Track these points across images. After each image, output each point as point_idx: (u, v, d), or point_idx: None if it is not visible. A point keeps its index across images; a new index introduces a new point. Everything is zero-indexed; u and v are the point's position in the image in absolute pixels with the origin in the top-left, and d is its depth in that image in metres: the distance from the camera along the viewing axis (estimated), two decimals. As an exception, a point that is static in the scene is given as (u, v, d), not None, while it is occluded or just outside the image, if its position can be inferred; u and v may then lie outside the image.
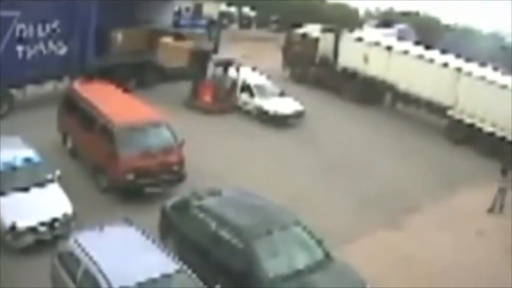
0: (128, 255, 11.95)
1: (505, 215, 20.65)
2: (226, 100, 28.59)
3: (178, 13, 33.17)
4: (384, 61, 31.56)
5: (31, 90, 24.76)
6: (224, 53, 32.42)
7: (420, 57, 30.39)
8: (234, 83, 28.78)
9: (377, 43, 32.41)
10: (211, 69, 28.96)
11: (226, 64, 29.12)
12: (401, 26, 42.53)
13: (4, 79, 22.74)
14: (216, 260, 13.54)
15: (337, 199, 20.25)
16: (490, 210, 20.95)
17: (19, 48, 23.39)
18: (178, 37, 30.61)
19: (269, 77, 30.24)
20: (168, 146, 18.70)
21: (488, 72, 28.34)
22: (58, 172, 16.49)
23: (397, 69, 30.91)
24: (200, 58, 29.12)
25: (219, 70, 29.02)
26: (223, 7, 51.78)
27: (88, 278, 11.32)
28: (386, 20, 44.84)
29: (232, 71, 28.96)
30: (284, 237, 13.99)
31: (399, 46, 32.02)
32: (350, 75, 33.32)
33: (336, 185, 21.46)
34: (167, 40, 30.15)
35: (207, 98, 28.22)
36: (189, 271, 11.81)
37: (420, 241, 18.33)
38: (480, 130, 27.60)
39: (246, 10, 54.85)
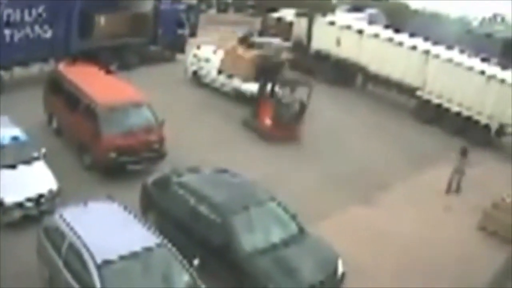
0: (110, 229, 12.32)
1: (465, 193, 21.14)
2: (291, 126, 24.05)
3: (158, -2, 33.19)
4: (356, 44, 32.15)
5: (18, 72, 25.11)
6: (202, 36, 32.70)
7: (390, 40, 30.94)
8: (303, 106, 24.32)
9: (348, 27, 32.91)
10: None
11: (294, 83, 24.97)
12: (371, 10, 42.60)
13: None
14: (195, 234, 13.87)
15: (310, 177, 20.53)
16: (448, 191, 21.25)
17: (7, 32, 23.75)
18: (245, 42, 28.26)
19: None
20: (149, 125, 19.05)
21: (455, 54, 29.00)
22: (43, 150, 16.79)
23: (368, 52, 31.52)
24: (268, 72, 24.53)
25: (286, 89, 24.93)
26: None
27: (73, 251, 11.66)
28: (357, 5, 44.98)
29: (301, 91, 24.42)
30: (260, 213, 14.35)
31: (370, 29, 32.51)
32: (323, 58, 33.87)
33: (309, 163, 21.88)
34: (233, 46, 27.60)
35: (267, 120, 23.86)
36: (169, 245, 12.12)
37: (391, 217, 18.72)
38: (447, 110, 28.40)
39: (224, -5, 54.92)
